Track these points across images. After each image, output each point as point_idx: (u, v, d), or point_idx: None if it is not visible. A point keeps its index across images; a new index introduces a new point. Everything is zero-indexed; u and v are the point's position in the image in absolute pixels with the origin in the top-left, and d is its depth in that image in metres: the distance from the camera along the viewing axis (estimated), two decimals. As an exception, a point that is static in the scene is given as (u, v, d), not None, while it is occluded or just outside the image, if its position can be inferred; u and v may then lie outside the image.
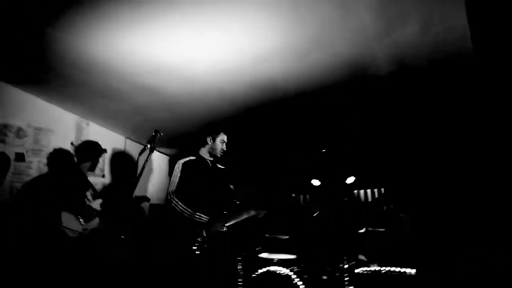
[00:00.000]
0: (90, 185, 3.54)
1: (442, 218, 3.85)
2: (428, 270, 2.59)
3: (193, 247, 2.84)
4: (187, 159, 3.33)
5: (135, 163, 3.14)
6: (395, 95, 3.68)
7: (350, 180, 4.34)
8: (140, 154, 2.61)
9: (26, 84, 3.72)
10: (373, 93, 3.66)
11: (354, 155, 4.62)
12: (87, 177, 3.60)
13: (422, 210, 3.91)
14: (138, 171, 2.60)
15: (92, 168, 3.67)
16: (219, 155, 3.41)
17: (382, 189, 4.65)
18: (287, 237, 3.73)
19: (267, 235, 3.83)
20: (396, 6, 2.51)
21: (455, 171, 4.02)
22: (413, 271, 2.76)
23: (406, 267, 2.87)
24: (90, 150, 3.63)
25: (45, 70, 3.35)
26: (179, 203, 3.06)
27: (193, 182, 3.19)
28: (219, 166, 3.56)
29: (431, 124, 4.20)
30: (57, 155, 3.80)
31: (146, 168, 2.63)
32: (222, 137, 3.43)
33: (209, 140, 3.41)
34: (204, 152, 3.44)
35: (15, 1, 2.43)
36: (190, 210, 3.04)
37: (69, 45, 2.93)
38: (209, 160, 3.45)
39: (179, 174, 3.18)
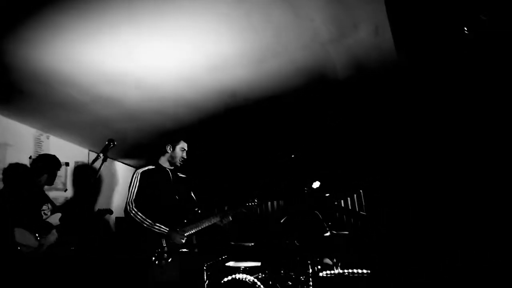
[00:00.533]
0: (47, 199, 3.44)
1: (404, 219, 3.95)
2: (384, 269, 2.65)
3: (153, 258, 2.80)
4: (146, 168, 3.29)
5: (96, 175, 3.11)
6: (356, 98, 3.75)
7: (316, 184, 4.37)
8: (92, 163, 2.58)
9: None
10: (334, 96, 3.72)
11: (319, 159, 4.68)
12: (44, 191, 3.50)
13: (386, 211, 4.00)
14: (92, 180, 2.56)
15: (50, 182, 3.57)
16: (178, 164, 3.39)
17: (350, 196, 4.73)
18: (252, 244, 3.72)
19: (232, 243, 3.81)
20: (346, 10, 2.58)
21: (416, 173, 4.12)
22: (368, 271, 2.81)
23: (368, 268, 2.92)
24: (46, 163, 3.54)
25: (1, 84, 3.27)
26: (138, 213, 3.01)
27: (151, 192, 3.16)
28: (180, 175, 3.53)
29: (393, 126, 4.30)
30: (13, 169, 3.67)
31: (105, 178, 2.60)
32: (182, 145, 3.42)
33: (168, 148, 3.38)
34: (163, 161, 3.41)
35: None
36: (149, 221, 2.99)
37: (26, 57, 2.88)
38: (169, 169, 3.42)
39: (137, 184, 3.14)
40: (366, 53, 3.07)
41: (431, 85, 3.53)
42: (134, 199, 3.06)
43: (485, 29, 2.45)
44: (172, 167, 3.43)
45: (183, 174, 3.55)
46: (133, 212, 3.01)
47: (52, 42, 2.72)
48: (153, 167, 3.32)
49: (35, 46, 2.74)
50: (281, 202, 5.13)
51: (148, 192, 3.13)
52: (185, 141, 3.44)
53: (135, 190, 3.10)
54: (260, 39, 2.78)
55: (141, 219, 2.99)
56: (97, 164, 2.77)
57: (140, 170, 3.24)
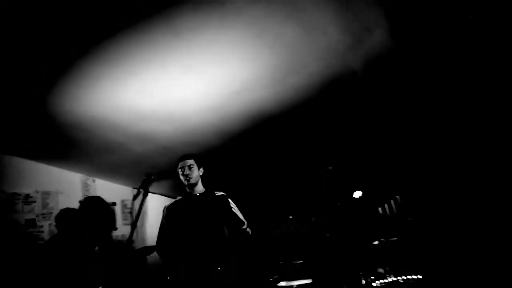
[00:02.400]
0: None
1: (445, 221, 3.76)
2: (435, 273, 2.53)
3: None
4: (172, 201, 3.10)
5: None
6: (379, 101, 3.71)
7: (358, 194, 4.29)
8: (134, 199, 2.65)
9: (28, 153, 3.88)
10: (358, 100, 3.70)
11: (355, 169, 4.59)
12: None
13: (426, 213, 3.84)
14: (133, 218, 2.63)
15: (113, 228, 3.71)
16: (186, 183, 2.98)
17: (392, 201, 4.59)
18: (301, 261, 3.68)
19: (281, 262, 3.79)
20: (356, 16, 2.60)
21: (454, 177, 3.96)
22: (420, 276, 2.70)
23: (420, 273, 2.80)
24: (95, 207, 3.68)
25: (47, 136, 3.51)
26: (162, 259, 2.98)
27: (173, 226, 2.96)
28: (215, 193, 3.12)
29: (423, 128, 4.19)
30: (64, 214, 3.86)
31: (142, 214, 2.67)
32: (179, 165, 3.03)
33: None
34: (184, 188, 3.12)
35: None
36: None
37: (67, 108, 3.08)
38: (194, 193, 3.04)
39: (161, 222, 3.03)
40: (384, 54, 3.05)
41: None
42: (156, 243, 3.03)
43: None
44: (191, 190, 3.06)
45: (218, 192, 3.15)
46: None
47: (87, 90, 2.90)
48: (180, 197, 3.10)
49: (73, 96, 2.94)
50: (313, 219, 5.03)
51: (170, 228, 3.00)
52: (179, 160, 3.06)
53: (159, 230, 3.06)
54: (276, 58, 2.85)
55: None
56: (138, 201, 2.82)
57: (166, 205, 3.12)
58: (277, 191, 5.13)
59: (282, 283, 3.71)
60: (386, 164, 4.47)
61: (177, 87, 3.04)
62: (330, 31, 2.66)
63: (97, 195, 4.02)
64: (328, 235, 3.86)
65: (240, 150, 4.35)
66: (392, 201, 4.24)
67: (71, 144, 3.73)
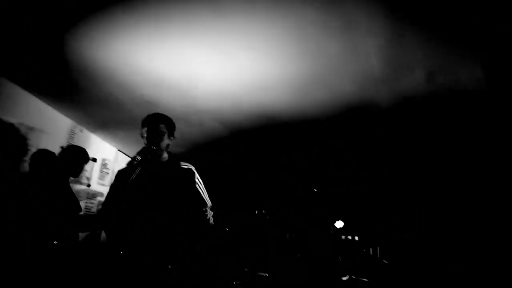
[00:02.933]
0: (70, 191, 3.41)
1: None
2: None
3: None
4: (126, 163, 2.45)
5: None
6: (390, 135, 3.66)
7: (339, 224, 4.22)
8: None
9: (24, 81, 3.67)
10: (368, 131, 3.64)
11: (343, 198, 4.53)
12: (68, 183, 3.48)
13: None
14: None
15: (75, 174, 3.54)
16: (147, 150, 2.37)
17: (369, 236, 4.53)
18: (267, 274, 3.57)
19: (246, 270, 3.68)
20: (405, 52, 2.52)
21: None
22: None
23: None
24: (75, 155, 3.51)
25: (53, 73, 3.33)
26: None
27: (121, 197, 2.45)
28: (180, 165, 2.59)
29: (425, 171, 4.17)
30: (41, 155, 3.67)
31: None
32: (146, 126, 2.49)
33: None
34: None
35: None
36: None
37: (80, 51, 2.91)
38: (155, 160, 2.52)
39: (109, 189, 2.58)
40: (415, 96, 2.99)
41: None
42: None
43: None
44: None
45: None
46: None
47: (108, 40, 2.75)
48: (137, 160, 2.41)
49: (91, 42, 2.78)
50: (293, 236, 4.96)
51: None
52: (146, 121, 2.52)
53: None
54: (312, 66, 2.74)
55: None
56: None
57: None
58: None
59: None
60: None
61: (200, 64, 2.90)
62: (373, 58, 2.57)
63: (81, 146, 3.85)
64: (298, 256, 3.77)
65: (240, 142, 4.22)
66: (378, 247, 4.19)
67: (72, 87, 3.54)
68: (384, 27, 2.32)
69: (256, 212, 4.69)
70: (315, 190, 4.66)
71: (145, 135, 2.44)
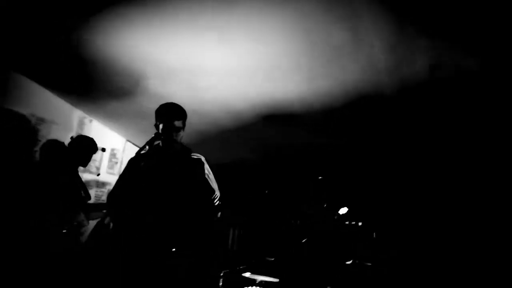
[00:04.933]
0: (79, 181, 3.52)
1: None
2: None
3: None
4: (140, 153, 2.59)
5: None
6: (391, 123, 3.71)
7: (343, 210, 4.30)
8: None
9: (34, 74, 3.75)
10: (371, 118, 3.69)
11: (348, 184, 4.61)
12: (78, 172, 3.58)
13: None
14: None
15: (84, 164, 3.63)
16: (164, 145, 2.59)
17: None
18: (273, 259, 3.67)
19: (253, 255, 3.78)
20: (408, 42, 2.56)
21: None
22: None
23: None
24: (83, 144, 3.61)
25: (64, 67, 3.40)
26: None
27: (134, 183, 2.59)
28: (191, 155, 2.71)
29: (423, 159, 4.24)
30: (51, 145, 3.76)
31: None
32: (164, 122, 2.57)
33: None
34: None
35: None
36: None
37: (91, 43, 2.96)
38: (169, 150, 2.64)
39: (120, 174, 2.69)
40: (418, 87, 3.04)
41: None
42: None
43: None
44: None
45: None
46: None
47: (118, 34, 2.81)
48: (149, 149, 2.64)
49: (104, 34, 2.83)
50: (298, 222, 5.05)
51: None
52: (166, 115, 2.62)
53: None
54: (316, 56, 2.79)
55: None
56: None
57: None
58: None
59: (247, 274, 3.70)
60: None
61: (207, 55, 2.96)
62: (377, 47, 2.61)
63: (91, 136, 3.94)
64: (305, 242, 3.86)
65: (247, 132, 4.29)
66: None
67: (82, 79, 3.62)
68: (386, 16, 2.36)
69: (266, 191, 4.78)
70: (320, 177, 4.72)
71: (161, 128, 2.52)
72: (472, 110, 3.33)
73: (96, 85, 3.70)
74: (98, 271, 2.78)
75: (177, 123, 2.55)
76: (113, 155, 4.86)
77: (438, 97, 3.15)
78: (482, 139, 3.77)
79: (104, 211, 3.72)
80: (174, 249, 2.35)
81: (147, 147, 2.44)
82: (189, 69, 3.20)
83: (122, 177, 2.61)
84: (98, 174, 4.59)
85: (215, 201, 2.60)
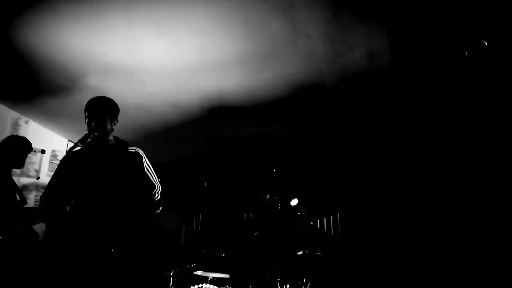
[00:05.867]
0: (14, 186, 3.29)
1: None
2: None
3: None
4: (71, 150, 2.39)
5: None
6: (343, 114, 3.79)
7: (294, 202, 4.35)
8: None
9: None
10: (320, 108, 3.75)
11: (300, 176, 4.67)
12: (11, 177, 3.34)
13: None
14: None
15: (18, 165, 3.37)
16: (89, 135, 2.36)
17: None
18: (223, 254, 3.64)
19: (203, 251, 3.73)
20: (345, 31, 2.60)
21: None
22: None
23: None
24: (14, 145, 3.34)
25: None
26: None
27: (67, 183, 2.45)
28: (128, 149, 2.53)
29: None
30: None
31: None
32: (87, 112, 2.39)
33: None
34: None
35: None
36: None
37: (20, 40, 2.80)
38: (101, 144, 2.47)
39: (52, 175, 2.51)
40: (358, 74, 3.11)
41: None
42: None
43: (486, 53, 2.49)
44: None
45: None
46: None
47: (50, 29, 2.67)
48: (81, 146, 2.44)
49: (33, 30, 2.69)
50: (251, 215, 5.05)
51: None
52: (88, 105, 2.42)
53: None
54: (256, 47, 2.77)
55: None
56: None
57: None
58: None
59: (199, 272, 3.65)
60: (336, 180, 4.60)
61: (144, 48, 2.88)
62: (314, 37, 2.64)
63: (23, 136, 3.69)
64: (256, 233, 3.86)
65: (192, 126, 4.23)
66: (331, 217, 4.35)
67: (15, 78, 3.40)
68: (321, 4, 2.38)
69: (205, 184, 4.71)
70: (274, 170, 4.75)
71: (87, 121, 2.35)
72: (413, 99, 3.47)
73: (31, 83, 3.49)
74: (37, 274, 2.63)
75: (102, 111, 2.38)
76: (54, 156, 4.61)
77: (378, 85, 3.24)
78: (421, 128, 3.94)
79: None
80: (113, 250, 2.25)
81: (79, 144, 2.31)
82: (129, 64, 3.09)
83: (55, 177, 2.45)
84: (38, 178, 4.34)
85: (155, 196, 2.52)
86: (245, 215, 4.89)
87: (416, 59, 2.83)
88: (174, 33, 2.69)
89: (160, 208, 2.57)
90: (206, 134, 4.33)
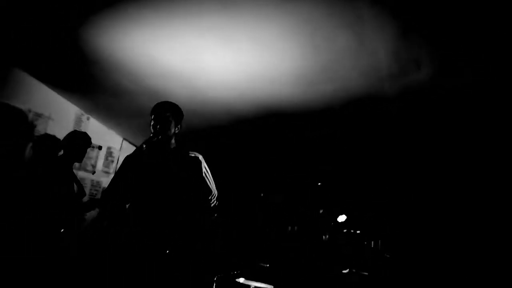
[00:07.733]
0: (74, 177, 3.45)
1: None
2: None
3: None
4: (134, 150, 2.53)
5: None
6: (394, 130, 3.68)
7: (342, 218, 4.24)
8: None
9: (34, 70, 3.71)
10: (372, 127, 3.66)
11: (346, 192, 4.55)
12: (72, 169, 3.50)
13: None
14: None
15: (79, 159, 3.53)
16: (153, 138, 2.42)
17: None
18: (268, 265, 3.61)
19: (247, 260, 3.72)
20: (413, 48, 2.52)
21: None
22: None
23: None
24: (77, 139, 3.49)
25: (64, 64, 3.40)
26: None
27: (128, 181, 2.52)
28: (189, 153, 2.58)
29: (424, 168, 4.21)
30: (45, 140, 3.66)
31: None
32: (152, 114, 2.50)
33: None
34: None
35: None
36: None
37: (94, 42, 2.96)
38: (163, 147, 2.54)
39: (115, 173, 2.63)
40: (421, 94, 3.00)
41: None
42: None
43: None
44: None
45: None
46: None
47: (119, 32, 2.80)
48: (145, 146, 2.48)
49: (103, 34, 2.83)
50: (295, 228, 4.99)
51: None
52: (153, 108, 2.51)
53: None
54: (319, 60, 2.75)
55: None
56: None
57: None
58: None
59: (241, 280, 3.63)
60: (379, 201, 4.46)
61: (208, 56, 2.93)
62: (380, 54, 2.58)
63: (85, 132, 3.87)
64: (300, 248, 3.80)
65: (246, 132, 4.26)
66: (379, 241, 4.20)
67: (82, 77, 3.59)
68: (391, 22, 2.33)
69: (262, 195, 4.71)
70: (319, 183, 4.67)
71: (152, 123, 2.43)
72: (474, 117, 3.31)
73: (95, 83, 3.66)
74: (94, 269, 2.73)
75: (167, 115, 2.45)
76: (109, 153, 4.80)
77: (441, 104, 3.12)
78: (480, 146, 3.76)
79: (97, 209, 3.65)
80: (168, 251, 2.29)
81: (144, 145, 2.38)
82: (187, 68, 3.16)
83: (118, 174, 2.54)
84: (94, 172, 4.53)
85: (211, 201, 2.54)
86: (289, 227, 4.85)
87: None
88: (235, 43, 2.72)
89: (216, 214, 2.60)
90: (260, 143, 4.36)
